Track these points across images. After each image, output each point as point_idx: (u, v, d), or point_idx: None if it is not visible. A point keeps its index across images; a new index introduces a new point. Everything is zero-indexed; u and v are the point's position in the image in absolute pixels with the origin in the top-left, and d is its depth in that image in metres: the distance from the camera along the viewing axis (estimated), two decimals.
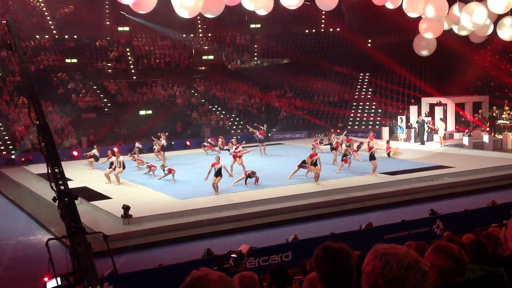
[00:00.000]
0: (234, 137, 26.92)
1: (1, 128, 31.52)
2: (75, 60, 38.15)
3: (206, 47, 43.05)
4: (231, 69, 41.72)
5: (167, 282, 10.71)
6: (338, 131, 31.63)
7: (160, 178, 21.69)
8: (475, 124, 31.23)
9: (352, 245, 2.79)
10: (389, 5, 18.06)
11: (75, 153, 29.29)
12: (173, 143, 30.58)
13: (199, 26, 44.51)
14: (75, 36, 40.59)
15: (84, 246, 4.93)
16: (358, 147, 24.66)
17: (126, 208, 15.99)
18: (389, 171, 21.62)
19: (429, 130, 30.18)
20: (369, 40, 42.92)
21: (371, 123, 36.33)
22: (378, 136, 31.25)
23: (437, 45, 20.24)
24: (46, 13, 42.11)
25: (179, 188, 20.13)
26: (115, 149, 22.95)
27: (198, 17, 35.17)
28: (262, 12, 18.39)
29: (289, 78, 40.50)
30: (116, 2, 19.21)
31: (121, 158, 21.32)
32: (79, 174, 23.14)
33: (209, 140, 29.72)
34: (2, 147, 30.26)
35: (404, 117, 31.93)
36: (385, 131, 32.99)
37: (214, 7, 16.31)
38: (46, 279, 4.95)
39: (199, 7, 15.59)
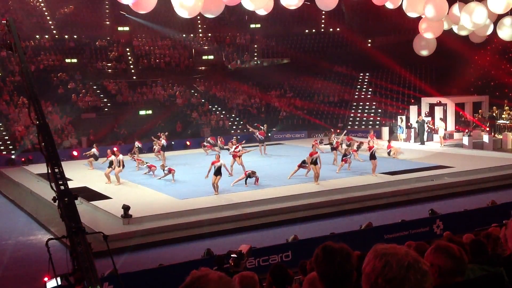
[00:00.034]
0: (234, 137, 26.91)
1: (1, 128, 31.50)
2: (75, 60, 38.13)
3: (206, 47, 43.02)
4: (231, 69, 41.69)
5: (167, 282, 10.72)
6: (338, 131, 31.64)
7: (160, 178, 21.70)
8: (475, 124, 31.20)
9: (352, 245, 2.79)
10: (389, 5, 18.07)
11: (75, 153, 29.29)
12: (173, 143, 30.59)
13: (199, 26, 44.47)
14: (75, 36, 40.57)
15: (84, 246, 4.93)
16: (358, 147, 24.66)
17: (126, 208, 15.99)
18: (389, 171, 21.61)
19: (429, 130, 30.17)
20: (369, 40, 42.90)
21: (371, 123, 36.31)
22: (378, 136, 31.22)
23: (437, 45, 20.25)
24: (46, 13, 42.07)
25: (179, 188, 20.12)
26: (115, 149, 22.95)
27: (198, 17, 35.22)
28: (262, 12, 18.40)
29: (289, 78, 40.50)
30: (116, 2, 19.22)
31: (121, 157, 21.33)
32: (79, 174, 23.14)
33: (209, 139, 29.72)
34: (2, 147, 30.25)
35: (404, 117, 31.91)
36: (385, 131, 32.96)
37: (214, 7, 16.33)
38: (46, 279, 4.94)
39: (199, 7, 15.60)
